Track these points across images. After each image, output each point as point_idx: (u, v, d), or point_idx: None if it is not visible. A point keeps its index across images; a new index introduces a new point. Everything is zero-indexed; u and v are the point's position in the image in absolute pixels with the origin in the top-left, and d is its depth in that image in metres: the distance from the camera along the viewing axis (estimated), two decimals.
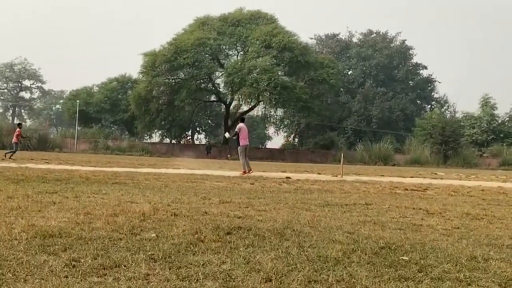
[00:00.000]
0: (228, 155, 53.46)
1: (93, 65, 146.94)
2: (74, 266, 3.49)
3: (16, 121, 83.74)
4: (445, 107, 73.84)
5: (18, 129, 26.98)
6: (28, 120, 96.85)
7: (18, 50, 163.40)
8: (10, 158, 23.83)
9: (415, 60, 78.24)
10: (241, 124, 18.65)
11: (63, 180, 10.92)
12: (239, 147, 18.42)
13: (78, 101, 62.23)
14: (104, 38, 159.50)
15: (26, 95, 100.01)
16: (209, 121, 77.98)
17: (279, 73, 55.15)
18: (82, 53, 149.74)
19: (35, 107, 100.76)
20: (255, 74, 52.69)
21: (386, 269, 3.77)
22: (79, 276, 3.25)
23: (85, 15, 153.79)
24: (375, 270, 3.72)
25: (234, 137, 18.54)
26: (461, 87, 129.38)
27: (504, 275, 3.69)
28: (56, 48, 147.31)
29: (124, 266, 3.55)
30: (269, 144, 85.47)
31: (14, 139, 26.09)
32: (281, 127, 67.68)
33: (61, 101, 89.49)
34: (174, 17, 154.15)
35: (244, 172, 17.37)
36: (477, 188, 14.18)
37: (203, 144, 66.60)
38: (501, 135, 60.30)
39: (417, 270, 3.78)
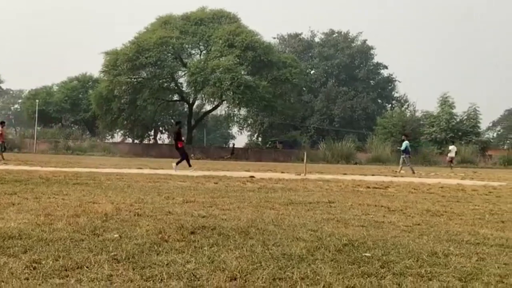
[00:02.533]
0: (192, 155, 53.17)
1: (52, 64, 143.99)
2: (34, 268, 3.41)
3: None
4: (405, 106, 75.20)
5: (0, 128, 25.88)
6: None
7: None
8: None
9: (376, 59, 79.56)
10: None
11: (22, 181, 10.66)
12: None
13: (37, 100, 60.84)
14: (63, 35, 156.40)
15: None
16: (172, 121, 77.36)
17: (242, 73, 55.10)
18: (40, 51, 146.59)
19: None
20: (218, 74, 52.52)
21: (350, 266, 3.82)
22: (40, 278, 3.18)
23: (43, 10, 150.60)
24: (339, 267, 3.77)
25: None
26: (420, 86, 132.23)
27: (464, 270, 3.78)
28: (13, 46, 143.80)
29: (86, 267, 3.49)
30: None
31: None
32: (245, 126, 67.74)
33: (20, 100, 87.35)
34: (135, 17, 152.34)
35: None
36: (436, 185, 14.50)
37: (166, 144, 65.97)
38: (460, 133, 61.68)
39: (380, 266, 3.84)
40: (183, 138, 18.32)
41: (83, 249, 4.08)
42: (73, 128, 67.71)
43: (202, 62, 54.73)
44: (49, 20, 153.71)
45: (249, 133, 73.21)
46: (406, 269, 3.77)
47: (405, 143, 26.14)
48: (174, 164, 18.89)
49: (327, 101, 72.00)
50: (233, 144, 63.13)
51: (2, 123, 27.18)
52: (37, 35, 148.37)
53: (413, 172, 24.12)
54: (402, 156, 25.79)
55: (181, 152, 19.58)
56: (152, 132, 73.34)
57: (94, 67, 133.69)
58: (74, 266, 3.50)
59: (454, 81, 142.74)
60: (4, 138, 25.54)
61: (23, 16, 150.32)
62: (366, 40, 79.08)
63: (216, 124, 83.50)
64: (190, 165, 19.25)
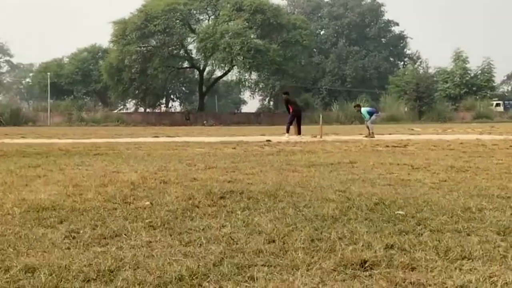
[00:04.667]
0: (205, 121, 53.24)
1: (62, 35, 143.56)
2: (74, 238, 3.44)
3: None
4: (417, 63, 74.28)
5: None
6: None
7: None
8: None
9: (386, 17, 78.23)
10: None
11: (43, 154, 10.73)
12: None
13: (48, 73, 60.92)
14: (72, 6, 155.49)
15: None
16: (183, 88, 77.25)
17: (252, 36, 54.61)
18: (50, 23, 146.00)
19: (4, 81, 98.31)
20: (227, 38, 52.07)
21: (385, 224, 3.80)
22: (81, 247, 3.20)
23: None
24: (374, 226, 3.75)
25: None
26: (433, 42, 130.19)
27: (501, 224, 3.75)
28: (21, 19, 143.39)
29: (125, 235, 3.51)
30: (245, 109, 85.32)
31: None
32: (256, 90, 67.35)
33: (31, 74, 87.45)
34: None
35: None
36: (455, 142, 14.42)
37: (178, 112, 66.09)
38: (474, 88, 61.03)
39: (415, 223, 3.82)
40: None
41: (117, 217, 4.10)
42: (86, 100, 67.99)
43: (211, 28, 54.27)
44: None
45: (260, 97, 72.93)
46: (442, 225, 3.75)
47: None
48: (298, 136, 18.83)
49: (338, 62, 71.25)
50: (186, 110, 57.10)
51: None
52: (44, 7, 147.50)
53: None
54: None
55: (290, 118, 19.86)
56: (163, 100, 73.33)
57: (104, 37, 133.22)
58: (112, 234, 3.52)
59: (467, 35, 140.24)
60: None
61: None
62: None
63: (227, 90, 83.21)
64: (287, 132, 19.24)
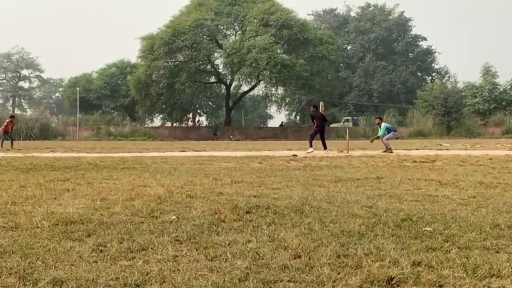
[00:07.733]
0: (231, 136, 53.43)
1: (91, 51, 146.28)
2: (101, 251, 3.48)
3: (17, 112, 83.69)
4: (446, 78, 73.34)
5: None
6: (28, 110, 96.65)
7: (12, 38, 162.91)
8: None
9: (414, 31, 77.64)
10: None
11: (72, 167, 10.91)
12: None
13: (78, 88, 61.96)
14: (101, 22, 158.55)
15: (25, 84, 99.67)
16: (210, 103, 77.74)
17: (279, 51, 54.70)
18: (79, 39, 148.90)
19: (34, 96, 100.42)
20: (254, 53, 52.26)
21: (412, 241, 3.76)
22: (108, 261, 3.24)
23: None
24: (401, 242, 3.72)
25: None
26: (461, 56, 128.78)
27: None
28: (51, 35, 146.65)
29: (151, 249, 3.55)
30: (271, 123, 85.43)
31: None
32: (283, 105, 67.38)
33: (61, 89, 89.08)
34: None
35: None
36: (484, 157, 14.18)
37: (205, 126, 66.46)
38: (503, 103, 59.93)
39: (443, 240, 3.77)
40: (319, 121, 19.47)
41: (144, 231, 4.14)
42: (114, 114, 68.79)
43: (238, 43, 54.58)
44: (83, 7, 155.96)
45: (287, 112, 72.93)
46: (471, 242, 3.70)
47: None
48: (324, 151, 18.50)
49: (365, 77, 70.84)
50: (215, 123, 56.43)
51: (12, 117, 27.47)
52: (74, 23, 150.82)
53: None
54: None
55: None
56: (190, 115, 73.85)
57: (132, 53, 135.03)
58: (139, 248, 3.56)
59: (496, 50, 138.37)
60: (8, 129, 25.28)
61: (59, 7, 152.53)
62: (404, 12, 77.33)
63: (253, 105, 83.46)
64: (311, 146, 18.79)
